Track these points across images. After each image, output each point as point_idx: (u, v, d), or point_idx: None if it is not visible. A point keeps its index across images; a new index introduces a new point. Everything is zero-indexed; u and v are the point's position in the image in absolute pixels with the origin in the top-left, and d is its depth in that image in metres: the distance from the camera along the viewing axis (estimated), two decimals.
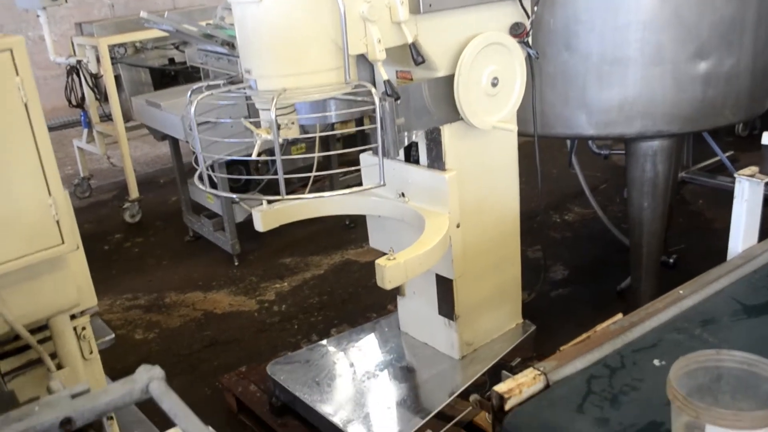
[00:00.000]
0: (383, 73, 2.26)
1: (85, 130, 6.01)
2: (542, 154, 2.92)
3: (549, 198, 5.11)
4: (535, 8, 2.65)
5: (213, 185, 2.50)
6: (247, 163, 4.77)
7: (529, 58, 2.69)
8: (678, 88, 2.91)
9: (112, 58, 5.43)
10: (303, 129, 2.42)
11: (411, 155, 2.73)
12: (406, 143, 2.46)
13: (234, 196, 4.59)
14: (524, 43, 2.65)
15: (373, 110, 2.15)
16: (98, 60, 5.40)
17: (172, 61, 5.73)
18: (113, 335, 2.34)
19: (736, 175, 2.07)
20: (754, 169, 2.03)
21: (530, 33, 2.65)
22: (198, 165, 2.37)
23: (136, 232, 5.56)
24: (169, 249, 5.17)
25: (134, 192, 5.67)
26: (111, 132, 5.63)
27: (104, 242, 5.37)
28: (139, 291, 4.53)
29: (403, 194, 2.74)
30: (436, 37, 2.41)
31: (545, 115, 3.04)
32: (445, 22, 2.41)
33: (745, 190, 2.08)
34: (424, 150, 2.66)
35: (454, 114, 2.53)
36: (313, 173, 2.62)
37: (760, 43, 3.00)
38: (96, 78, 5.56)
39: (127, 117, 5.50)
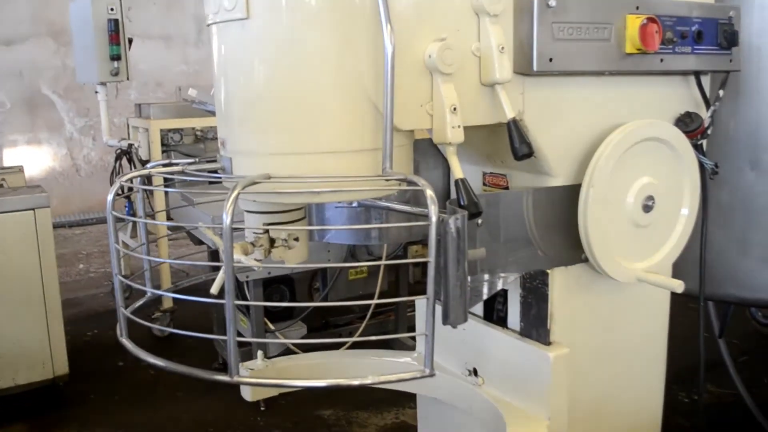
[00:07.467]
0: (456, 170, 1.27)
1: (130, 224, 5.33)
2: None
3: (674, 369, 3.87)
4: (720, 92, 1.63)
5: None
6: (291, 283, 3.84)
7: (702, 172, 1.65)
8: None
9: (164, 145, 4.74)
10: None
11: (495, 311, 1.68)
12: (486, 295, 1.42)
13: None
14: (696, 148, 1.62)
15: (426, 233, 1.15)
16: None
17: None
18: None
19: None
20: None
21: (708, 132, 1.62)
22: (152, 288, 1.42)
23: (160, 349, 4.62)
24: (188, 377, 4.20)
25: (168, 301, 4.82)
26: (153, 230, 4.86)
27: (120, 357, 4.48)
28: (134, 429, 3.56)
29: (474, 371, 1.68)
30: (555, 118, 1.41)
31: (711, 267, 1.95)
32: (572, 95, 1.42)
33: None
34: (516, 306, 1.60)
35: (572, 252, 1.49)
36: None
37: None
38: (146, 165, 4.86)
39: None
